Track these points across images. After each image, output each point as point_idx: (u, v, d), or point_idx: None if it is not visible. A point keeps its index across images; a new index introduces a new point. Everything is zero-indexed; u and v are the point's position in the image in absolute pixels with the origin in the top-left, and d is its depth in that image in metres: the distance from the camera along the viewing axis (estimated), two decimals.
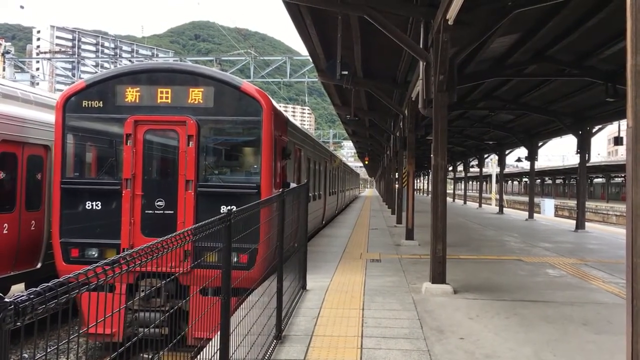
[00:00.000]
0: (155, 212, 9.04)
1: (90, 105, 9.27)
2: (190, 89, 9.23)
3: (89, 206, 9.16)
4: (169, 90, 9.22)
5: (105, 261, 2.21)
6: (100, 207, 9.14)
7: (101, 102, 9.26)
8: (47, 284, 1.75)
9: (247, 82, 9.85)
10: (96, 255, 8.97)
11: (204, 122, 9.22)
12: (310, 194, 14.66)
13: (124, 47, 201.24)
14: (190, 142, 9.02)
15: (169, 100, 9.21)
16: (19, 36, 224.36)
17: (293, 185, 10.50)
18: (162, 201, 9.09)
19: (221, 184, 9.28)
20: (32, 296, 1.64)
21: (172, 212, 9.01)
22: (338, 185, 27.61)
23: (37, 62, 54.13)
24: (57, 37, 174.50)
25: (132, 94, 9.24)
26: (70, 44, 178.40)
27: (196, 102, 9.22)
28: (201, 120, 9.15)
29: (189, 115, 9.09)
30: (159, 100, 9.22)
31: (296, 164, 13.00)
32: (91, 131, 9.61)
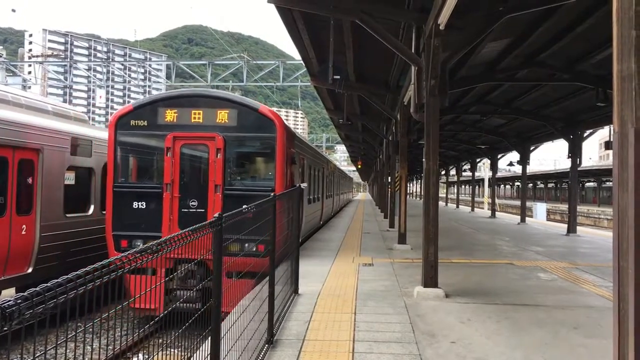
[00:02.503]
0: (190, 210, 10.85)
1: (136, 124, 11.26)
2: (218, 111, 11.22)
3: (135, 205, 11.04)
4: (201, 112, 11.24)
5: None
6: (144, 206, 11.05)
7: (146, 122, 11.24)
8: (35, 289, 1.75)
9: (263, 105, 11.69)
10: (141, 245, 10.05)
11: (229, 137, 11.15)
12: (311, 197, 17.48)
13: (117, 51, 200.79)
14: (218, 154, 11.00)
15: (201, 120, 11.21)
16: (11, 40, 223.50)
17: (305, 185, 13.19)
18: (195, 202, 10.96)
19: (243, 187, 11.15)
20: (19, 301, 1.64)
21: (203, 210, 10.75)
22: (334, 189, 29.66)
23: (29, 65, 53.94)
24: (49, 41, 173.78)
25: (170, 115, 11.23)
26: (62, 47, 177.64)
27: (223, 121, 11.20)
28: (227, 136, 11.10)
29: (217, 132, 11.06)
30: (192, 120, 11.22)
31: (301, 170, 14.82)
32: (137, 145, 11.54)
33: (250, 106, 11.42)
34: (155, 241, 2.88)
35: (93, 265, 2.23)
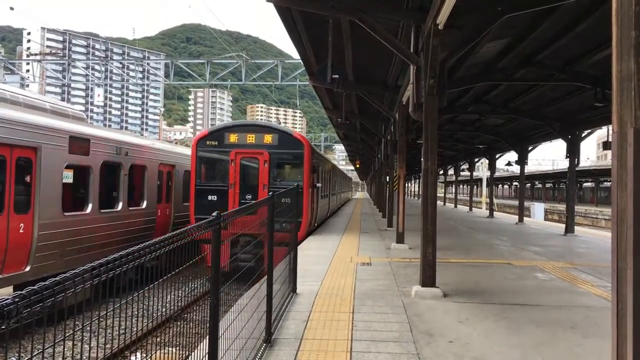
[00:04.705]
0: (246, 202, 14.56)
1: (210, 144, 16.68)
2: (265, 135, 16.73)
3: (209, 198, 16.21)
4: (254, 135, 16.71)
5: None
6: (215, 199, 16.17)
7: (216, 142, 16.67)
8: (32, 287, 1.75)
9: (295, 131, 17.85)
10: None
11: (273, 153, 16.54)
12: (322, 194, 23.00)
13: (115, 50, 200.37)
14: (265, 164, 16.41)
15: (254, 141, 16.64)
16: (9, 38, 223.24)
17: (318, 185, 19.82)
18: (250, 196, 15.89)
19: (282, 186, 14.32)
20: (17, 299, 1.64)
21: None
22: (337, 188, 35.55)
23: (28, 64, 53.81)
24: (48, 39, 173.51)
25: (233, 137, 16.68)
26: (60, 45, 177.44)
27: (268, 142, 16.63)
28: (271, 152, 16.50)
29: (264, 149, 16.47)
30: (248, 141, 16.64)
31: (317, 174, 19.90)
32: (211, 158, 16.93)
33: (287, 132, 17.56)
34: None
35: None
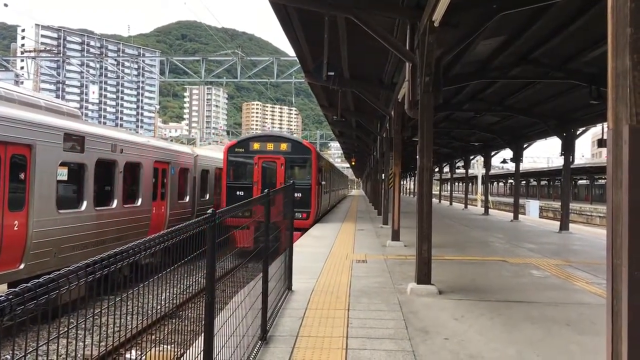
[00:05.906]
0: None
1: (238, 151, 20.90)
2: (281, 144, 20.97)
3: (237, 194, 19.78)
4: (273, 144, 20.93)
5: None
6: (242, 194, 19.56)
7: (243, 149, 20.89)
8: (26, 285, 1.73)
9: (305, 140, 22.93)
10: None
11: (287, 158, 20.75)
12: (325, 190, 27.18)
13: (110, 47, 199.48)
14: (282, 166, 20.55)
15: (272, 148, 20.83)
16: (3, 35, 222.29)
17: (323, 183, 24.31)
18: None
19: (295, 184, 17.87)
20: (10, 296, 1.62)
21: None
22: (336, 186, 39.84)
23: (22, 60, 53.50)
24: (42, 36, 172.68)
25: (256, 145, 20.90)
26: (55, 42, 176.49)
27: (283, 149, 20.82)
28: (286, 157, 20.72)
29: (281, 154, 20.68)
30: (268, 148, 20.83)
31: (321, 174, 23.67)
32: (238, 162, 20.97)
33: (298, 141, 22.05)
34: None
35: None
